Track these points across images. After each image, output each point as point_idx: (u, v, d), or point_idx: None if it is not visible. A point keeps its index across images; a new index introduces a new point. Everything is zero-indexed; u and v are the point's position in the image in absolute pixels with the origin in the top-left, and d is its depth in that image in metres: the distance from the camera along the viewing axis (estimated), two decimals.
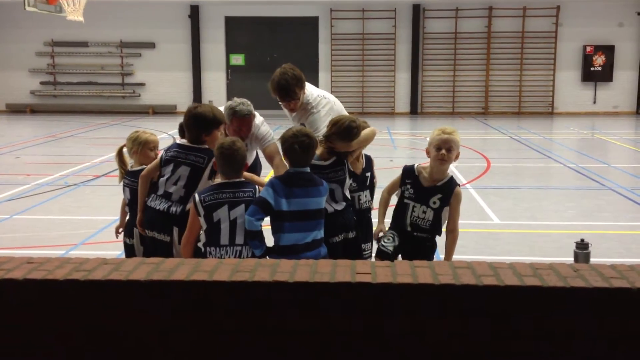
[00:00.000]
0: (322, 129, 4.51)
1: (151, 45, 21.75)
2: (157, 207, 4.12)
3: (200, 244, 3.87)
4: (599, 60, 21.14)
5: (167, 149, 4.24)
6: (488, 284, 2.27)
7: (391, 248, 4.05)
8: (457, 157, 4.11)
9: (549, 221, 7.85)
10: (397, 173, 4.34)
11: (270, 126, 5.01)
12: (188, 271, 2.38)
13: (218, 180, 4.00)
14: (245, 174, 4.14)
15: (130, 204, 4.49)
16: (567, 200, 8.99)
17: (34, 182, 10.00)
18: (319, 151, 4.18)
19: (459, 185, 4.16)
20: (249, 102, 4.64)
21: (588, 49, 21.10)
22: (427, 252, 4.13)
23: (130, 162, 4.64)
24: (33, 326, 2.36)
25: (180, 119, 4.52)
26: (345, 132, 4.16)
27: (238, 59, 21.91)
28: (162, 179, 4.15)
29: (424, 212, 4.07)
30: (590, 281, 2.28)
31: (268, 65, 19.31)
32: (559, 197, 9.27)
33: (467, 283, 2.27)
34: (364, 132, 4.32)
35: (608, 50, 21.09)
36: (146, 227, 4.20)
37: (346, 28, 21.40)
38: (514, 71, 21.42)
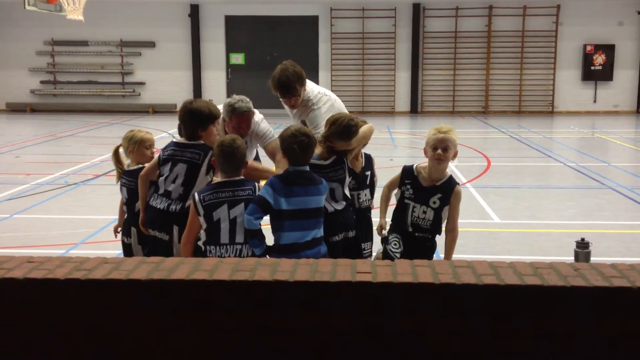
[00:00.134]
0: (322, 125, 4.51)
1: (151, 45, 21.74)
2: (158, 206, 4.15)
3: (200, 243, 3.87)
4: (599, 59, 21.13)
5: (165, 148, 4.25)
6: (488, 283, 2.27)
7: (399, 255, 4.04)
8: (455, 155, 4.09)
9: (549, 220, 7.85)
10: (397, 172, 4.34)
11: (270, 125, 5.01)
12: (188, 270, 2.38)
13: (217, 178, 4.00)
14: (251, 162, 4.15)
15: (128, 203, 4.50)
16: (567, 200, 8.99)
17: (34, 181, 10.00)
18: (318, 151, 4.18)
19: (458, 184, 4.16)
20: (248, 99, 4.64)
21: (588, 48, 21.08)
22: (427, 252, 4.13)
23: (127, 161, 4.65)
24: (33, 325, 2.37)
25: None
26: (344, 131, 4.16)
27: (238, 58, 21.90)
28: (161, 178, 4.18)
29: (425, 213, 4.07)
30: (590, 280, 2.28)
31: (268, 64, 19.29)
32: (559, 196, 9.27)
33: (467, 282, 2.27)
34: (362, 130, 4.32)
35: (608, 49, 21.08)
36: (148, 227, 4.22)
37: (346, 27, 21.39)
38: (514, 70, 21.41)
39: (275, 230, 3.84)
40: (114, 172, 4.73)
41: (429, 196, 4.06)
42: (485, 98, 21.60)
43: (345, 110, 4.86)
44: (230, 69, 21.94)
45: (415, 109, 21.64)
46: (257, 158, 5.39)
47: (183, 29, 21.58)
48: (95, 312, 2.35)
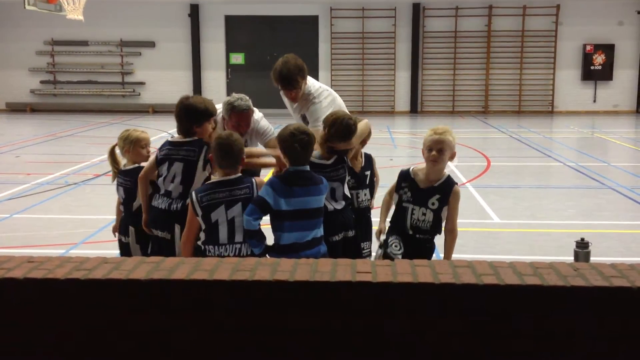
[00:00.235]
0: (322, 120, 4.51)
1: (151, 44, 21.74)
2: (160, 206, 4.17)
3: (199, 242, 3.87)
4: (599, 59, 21.13)
5: (160, 148, 4.25)
6: (488, 283, 2.27)
7: (400, 257, 4.03)
8: (452, 157, 4.06)
9: (549, 220, 7.85)
10: (398, 171, 4.33)
11: (271, 124, 5.02)
12: (188, 270, 2.38)
13: (215, 177, 4.00)
14: (249, 149, 4.15)
15: (125, 203, 4.51)
16: (567, 199, 8.99)
17: (34, 181, 10.00)
18: (320, 152, 4.17)
19: (456, 184, 4.13)
20: (247, 98, 4.65)
21: (588, 47, 21.09)
22: (427, 253, 4.11)
23: (123, 161, 4.66)
24: (33, 325, 2.37)
25: None
26: (345, 131, 4.14)
27: (238, 58, 21.90)
28: (160, 179, 4.19)
29: (424, 214, 4.03)
30: (590, 280, 2.28)
31: (268, 64, 19.19)
32: (559, 196, 9.27)
33: (467, 282, 2.27)
34: (360, 126, 4.32)
35: (608, 49, 21.08)
36: (151, 227, 4.23)
37: (346, 27, 21.39)
38: (514, 70, 21.41)
39: (275, 230, 3.84)
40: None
41: (428, 197, 4.03)
42: (485, 98, 21.60)
43: (345, 109, 4.86)
44: (230, 68, 21.94)
45: (415, 109, 21.64)
46: None
47: (183, 28, 21.58)
48: (95, 312, 2.35)
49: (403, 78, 21.59)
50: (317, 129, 4.37)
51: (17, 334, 2.37)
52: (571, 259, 4.95)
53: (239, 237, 3.77)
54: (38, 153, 13.19)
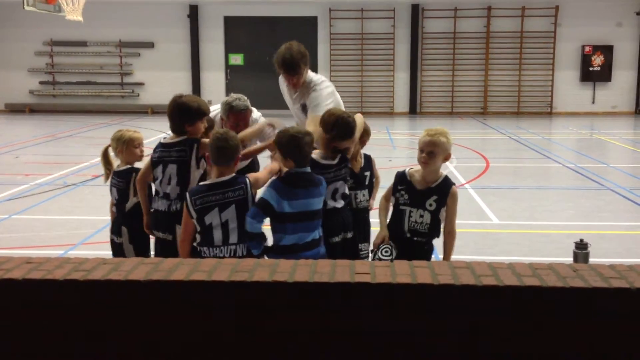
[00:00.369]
0: (323, 106, 4.50)
1: (150, 45, 21.74)
2: (160, 208, 4.17)
3: (195, 244, 3.87)
4: (597, 60, 21.15)
5: (154, 151, 4.25)
6: (487, 284, 2.27)
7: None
8: (446, 159, 4.02)
9: (548, 221, 7.86)
10: (397, 172, 4.32)
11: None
12: (187, 271, 2.38)
13: (212, 177, 3.99)
14: (243, 132, 4.17)
15: (118, 204, 4.51)
16: (566, 201, 9.00)
17: (33, 181, 10.00)
18: (322, 152, 4.17)
19: (454, 184, 4.11)
20: (246, 98, 4.64)
21: (587, 49, 21.10)
22: (425, 256, 4.09)
23: (116, 162, 4.66)
24: (32, 326, 2.36)
25: None
26: (347, 128, 4.13)
27: (237, 59, 21.90)
28: (157, 182, 4.18)
29: (421, 216, 3.99)
30: (589, 281, 2.28)
31: (267, 65, 19.15)
32: (558, 197, 9.28)
33: (466, 283, 2.27)
34: (356, 119, 4.32)
35: (607, 50, 21.10)
36: (152, 229, 4.23)
37: (345, 28, 21.40)
38: (512, 71, 21.43)
39: (276, 232, 3.83)
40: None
41: (425, 199, 4.00)
42: (484, 99, 21.61)
43: (343, 107, 4.85)
44: (230, 69, 21.94)
45: (414, 110, 21.65)
46: (255, 160, 5.40)
47: (182, 29, 21.58)
48: (95, 313, 2.34)
49: (402, 79, 21.60)
50: (317, 116, 4.35)
51: (17, 334, 2.37)
52: (570, 260, 4.95)
53: (233, 239, 3.77)
54: (37, 154, 13.18)
